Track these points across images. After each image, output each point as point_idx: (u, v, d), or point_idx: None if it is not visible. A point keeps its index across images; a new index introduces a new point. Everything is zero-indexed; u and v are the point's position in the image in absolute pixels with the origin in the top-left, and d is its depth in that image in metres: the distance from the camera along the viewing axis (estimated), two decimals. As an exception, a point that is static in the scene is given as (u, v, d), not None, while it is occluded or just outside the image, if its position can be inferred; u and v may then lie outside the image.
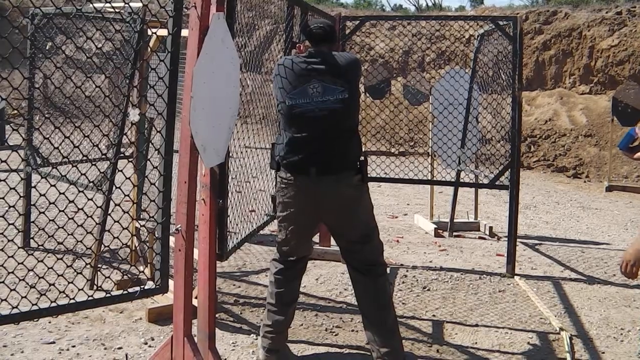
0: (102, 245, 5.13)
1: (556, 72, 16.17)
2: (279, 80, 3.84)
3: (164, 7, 2.95)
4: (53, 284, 2.85)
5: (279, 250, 4.07)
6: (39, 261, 2.90)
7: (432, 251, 7.07)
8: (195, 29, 3.01)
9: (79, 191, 3.03)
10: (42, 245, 3.12)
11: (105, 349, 4.13)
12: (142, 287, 3.16)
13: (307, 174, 3.76)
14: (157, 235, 3.18)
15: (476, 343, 4.54)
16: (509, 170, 6.24)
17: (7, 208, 2.60)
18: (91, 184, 4.78)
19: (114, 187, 3.16)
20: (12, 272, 2.80)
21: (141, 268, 5.27)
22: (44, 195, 2.76)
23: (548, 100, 15.75)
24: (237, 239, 4.45)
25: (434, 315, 5.03)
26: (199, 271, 3.29)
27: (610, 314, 5.21)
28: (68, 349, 4.09)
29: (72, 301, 2.83)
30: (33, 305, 2.69)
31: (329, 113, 3.75)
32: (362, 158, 3.94)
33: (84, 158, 3.20)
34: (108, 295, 2.98)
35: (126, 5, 3.74)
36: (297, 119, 3.79)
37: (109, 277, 3.28)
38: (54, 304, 2.77)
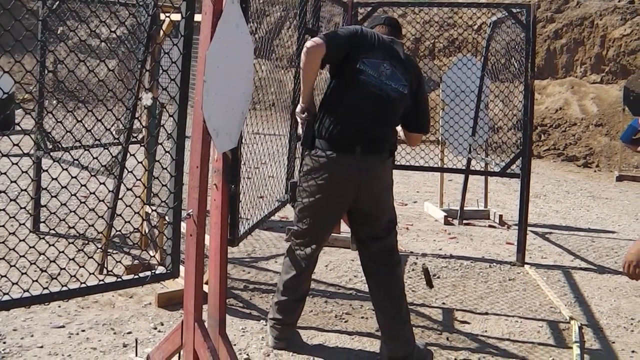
0: (113, 230, 5.13)
1: (567, 61, 16.07)
2: (360, 38, 3.78)
3: (177, -10, 2.93)
4: (64, 268, 2.84)
5: (299, 240, 3.97)
6: (50, 245, 2.89)
7: (441, 239, 7.05)
8: (208, 13, 2.98)
9: (91, 175, 3.02)
10: (53, 229, 3.10)
11: (114, 333, 4.14)
12: (153, 271, 3.15)
13: (352, 152, 3.72)
14: (168, 220, 3.17)
15: (486, 331, 4.53)
16: (520, 158, 6.22)
17: (17, 192, 2.59)
18: (102, 168, 4.79)
19: (125, 172, 3.13)
20: (23, 256, 2.80)
21: (151, 253, 5.27)
22: (55, 179, 2.75)
23: (559, 89, 15.67)
24: (248, 224, 4.44)
25: (443, 303, 5.03)
26: (210, 256, 3.27)
27: (621, 303, 5.20)
28: (78, 333, 4.10)
29: (83, 285, 2.82)
30: (44, 289, 2.68)
31: (386, 97, 3.76)
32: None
33: (96, 142, 3.18)
34: (119, 279, 2.97)
35: (139, -11, 3.73)
36: (358, 86, 3.75)
37: (119, 261, 3.27)
38: (65, 288, 2.75)
